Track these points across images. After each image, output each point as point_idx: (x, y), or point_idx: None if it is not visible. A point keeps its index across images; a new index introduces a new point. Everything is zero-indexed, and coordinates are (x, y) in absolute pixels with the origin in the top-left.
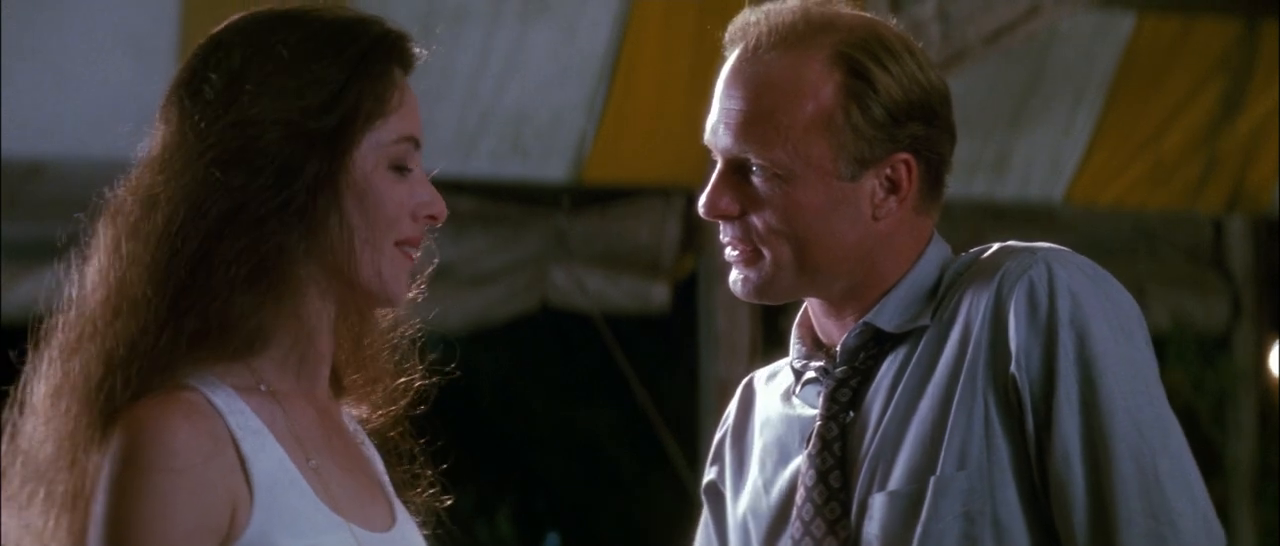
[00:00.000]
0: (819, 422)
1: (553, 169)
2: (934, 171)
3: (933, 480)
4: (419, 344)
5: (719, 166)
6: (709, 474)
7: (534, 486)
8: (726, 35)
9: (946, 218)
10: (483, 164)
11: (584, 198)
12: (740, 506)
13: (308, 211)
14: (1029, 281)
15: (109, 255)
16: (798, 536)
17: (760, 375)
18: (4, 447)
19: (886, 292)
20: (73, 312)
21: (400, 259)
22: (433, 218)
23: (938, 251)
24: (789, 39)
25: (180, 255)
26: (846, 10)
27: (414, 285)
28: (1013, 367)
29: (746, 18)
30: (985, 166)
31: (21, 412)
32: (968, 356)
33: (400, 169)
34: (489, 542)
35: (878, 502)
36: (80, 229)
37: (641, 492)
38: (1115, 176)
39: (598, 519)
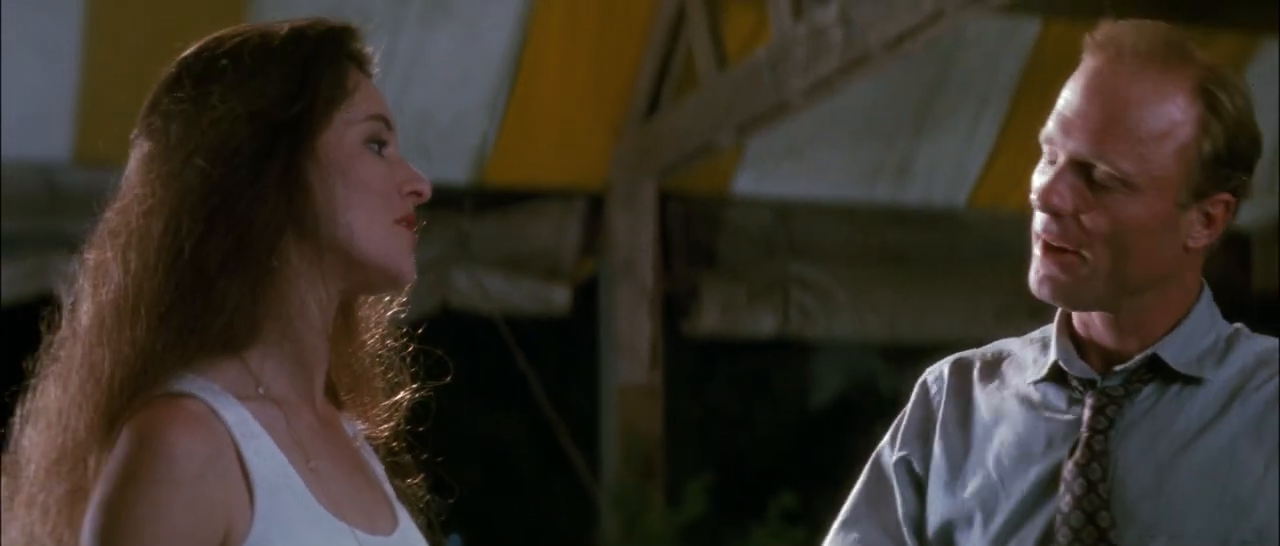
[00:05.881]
0: (1081, 450)
1: (454, 171)
2: (1234, 215)
3: (1234, 538)
4: (409, 355)
5: (1060, 162)
6: (900, 451)
7: (436, 488)
8: (1089, 42)
9: (849, 221)
10: None
11: (485, 200)
12: (966, 489)
13: (284, 191)
14: None
15: (115, 266)
16: None
17: (971, 363)
18: (6, 460)
19: (1173, 327)
20: (85, 327)
21: (402, 233)
22: (417, 194)
23: (1207, 295)
24: (1155, 61)
25: (183, 256)
26: (1192, 43)
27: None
28: None
29: (1111, 31)
30: (889, 171)
31: (24, 426)
32: (1260, 419)
33: (378, 144)
34: None
35: None
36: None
37: (543, 495)
38: (1019, 181)
39: (499, 521)
